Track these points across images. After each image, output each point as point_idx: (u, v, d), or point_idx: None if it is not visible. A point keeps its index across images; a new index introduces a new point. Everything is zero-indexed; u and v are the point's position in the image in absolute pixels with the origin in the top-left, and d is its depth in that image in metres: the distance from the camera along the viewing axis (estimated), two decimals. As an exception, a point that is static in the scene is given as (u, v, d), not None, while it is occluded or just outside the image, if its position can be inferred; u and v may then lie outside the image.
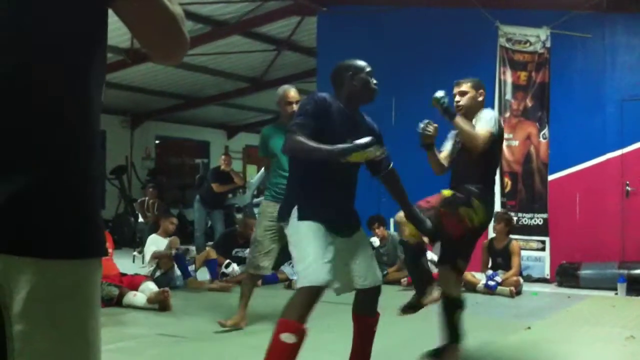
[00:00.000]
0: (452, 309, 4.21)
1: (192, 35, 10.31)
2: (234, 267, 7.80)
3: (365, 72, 3.54)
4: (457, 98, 4.17)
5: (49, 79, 1.25)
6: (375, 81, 3.57)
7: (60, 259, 1.23)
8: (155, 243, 7.63)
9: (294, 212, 3.30)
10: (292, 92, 5.32)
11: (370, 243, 8.23)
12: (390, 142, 10.16)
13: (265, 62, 12.55)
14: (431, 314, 4.50)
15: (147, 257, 7.65)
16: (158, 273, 7.36)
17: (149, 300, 6.09)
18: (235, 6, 9.89)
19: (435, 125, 4.13)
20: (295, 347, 3.03)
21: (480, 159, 4.03)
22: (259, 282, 7.43)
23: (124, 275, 6.58)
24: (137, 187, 14.62)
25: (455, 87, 4.22)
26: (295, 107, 5.10)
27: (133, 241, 11.07)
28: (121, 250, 10.46)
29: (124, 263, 8.05)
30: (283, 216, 3.41)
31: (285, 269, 8.16)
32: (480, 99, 4.18)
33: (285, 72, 13.17)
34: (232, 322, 5.28)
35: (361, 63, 3.58)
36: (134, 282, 6.36)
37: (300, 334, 3.03)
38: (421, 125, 4.14)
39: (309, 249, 3.19)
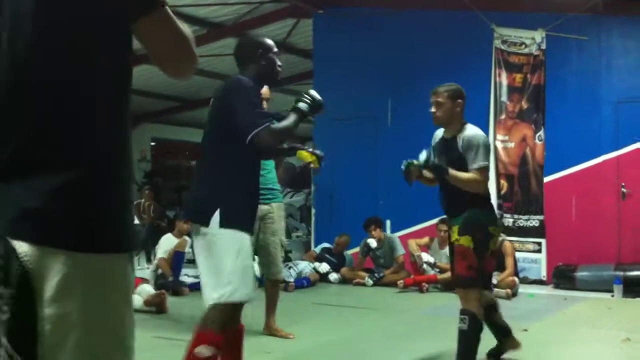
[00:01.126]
0: (495, 310, 4.28)
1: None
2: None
3: (273, 52, 3.33)
4: (433, 109, 3.99)
5: (81, 84, 1.39)
6: (280, 63, 3.36)
7: (88, 252, 1.35)
8: (167, 242, 7.69)
9: (216, 216, 2.99)
10: (265, 89, 4.96)
11: (368, 244, 8.30)
12: (387, 143, 10.27)
13: (261, 64, 12.52)
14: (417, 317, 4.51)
15: (158, 254, 7.75)
16: (159, 271, 7.42)
17: (146, 303, 6.08)
18: (231, 8, 9.88)
19: (429, 153, 4.04)
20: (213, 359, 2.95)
21: None
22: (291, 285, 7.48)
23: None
24: (133, 188, 14.60)
25: (432, 95, 4.02)
26: (265, 105, 4.86)
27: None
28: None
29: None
30: (200, 219, 3.05)
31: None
32: (458, 109, 3.97)
33: (281, 74, 13.14)
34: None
35: (270, 42, 3.38)
36: (130, 285, 6.36)
37: (218, 346, 2.96)
38: (402, 167, 4.13)
39: (234, 264, 2.95)
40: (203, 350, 2.91)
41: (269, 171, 5.17)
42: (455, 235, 3.91)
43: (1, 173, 1.36)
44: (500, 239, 7.71)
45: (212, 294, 2.96)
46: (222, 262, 2.97)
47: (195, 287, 7.34)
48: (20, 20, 1.38)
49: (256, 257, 5.34)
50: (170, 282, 7.40)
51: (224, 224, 2.98)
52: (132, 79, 1.54)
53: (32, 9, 1.37)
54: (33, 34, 1.37)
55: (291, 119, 3.13)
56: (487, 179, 3.97)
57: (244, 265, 3.00)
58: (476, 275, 3.83)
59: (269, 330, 5.24)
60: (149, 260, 10.17)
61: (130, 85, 1.51)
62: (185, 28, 1.53)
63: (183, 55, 1.55)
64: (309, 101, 3.17)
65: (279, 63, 3.36)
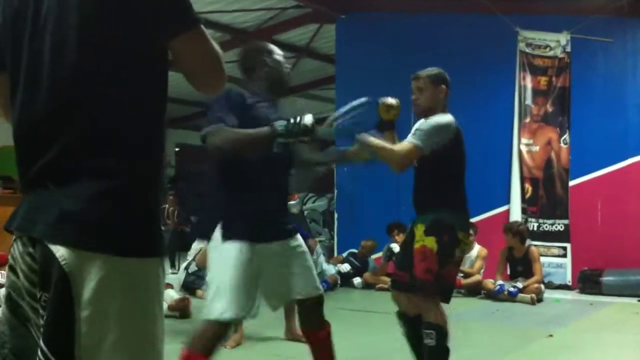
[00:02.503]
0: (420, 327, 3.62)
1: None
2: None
3: (277, 54, 3.16)
4: (415, 95, 3.61)
5: (118, 99, 1.47)
6: (288, 66, 3.19)
7: (125, 256, 1.41)
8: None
9: (218, 230, 2.96)
10: None
11: (391, 249, 8.27)
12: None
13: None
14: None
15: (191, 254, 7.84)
16: (193, 267, 7.48)
17: (170, 308, 6.12)
18: (254, 14, 9.95)
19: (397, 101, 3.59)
20: None
21: (436, 177, 3.54)
22: None
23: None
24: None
25: (413, 81, 3.63)
26: None
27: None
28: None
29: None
30: (204, 233, 3.05)
31: None
32: (442, 95, 3.60)
33: (304, 79, 13.20)
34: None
35: (272, 46, 3.21)
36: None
37: None
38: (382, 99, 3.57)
39: (231, 280, 2.85)
40: None
41: None
42: (420, 234, 3.47)
43: (41, 180, 1.44)
44: (526, 244, 7.71)
45: (211, 309, 2.89)
46: (216, 277, 2.93)
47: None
48: (62, 38, 1.46)
49: None
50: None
51: (225, 237, 2.93)
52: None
53: (74, 30, 1.45)
54: (74, 51, 1.44)
55: (253, 131, 2.85)
56: (409, 158, 3.44)
57: (238, 282, 2.86)
58: (433, 280, 3.38)
59: (292, 335, 5.23)
60: (172, 266, 10.24)
61: (166, 97, 1.58)
62: (217, 47, 1.60)
63: (215, 73, 1.62)
64: (289, 123, 2.80)
65: (286, 65, 3.20)
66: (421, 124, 3.48)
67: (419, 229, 3.49)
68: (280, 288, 3.08)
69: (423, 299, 3.45)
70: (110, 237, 1.40)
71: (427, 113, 3.55)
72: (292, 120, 2.80)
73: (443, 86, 3.62)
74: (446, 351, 3.47)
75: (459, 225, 3.46)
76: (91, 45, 1.45)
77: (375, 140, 3.30)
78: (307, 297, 3.11)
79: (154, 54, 1.51)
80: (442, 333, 3.44)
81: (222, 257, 2.91)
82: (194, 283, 7.34)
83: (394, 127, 3.62)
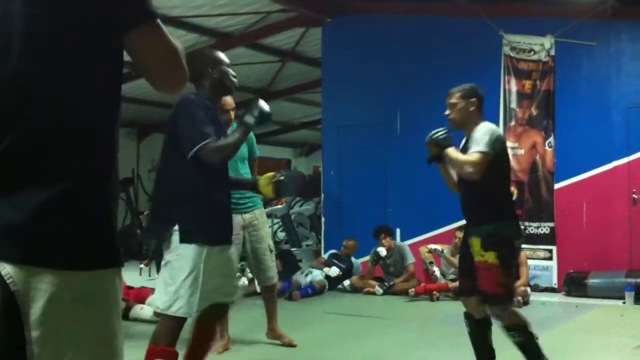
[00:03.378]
0: (485, 328, 3.92)
1: (197, 47, 10.39)
2: (244, 280, 7.78)
3: (224, 64, 3.41)
4: (448, 111, 3.87)
5: (67, 100, 1.37)
6: (234, 74, 3.43)
7: (76, 270, 1.32)
8: None
9: (175, 232, 3.15)
10: (229, 100, 4.91)
11: (377, 252, 8.27)
12: (396, 153, 10.27)
13: (270, 73, 12.58)
14: (428, 325, 4.48)
15: None
16: None
17: (156, 314, 6.08)
18: (239, 18, 9.92)
19: (446, 131, 3.84)
20: None
21: (486, 188, 3.70)
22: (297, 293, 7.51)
23: (130, 288, 6.57)
24: (143, 199, 14.64)
25: (447, 97, 3.91)
26: (231, 114, 4.95)
27: (139, 254, 11.06)
28: (128, 262, 10.46)
29: (130, 275, 8.05)
30: (161, 236, 3.24)
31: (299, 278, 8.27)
32: (472, 108, 3.82)
33: (290, 82, 13.20)
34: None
35: (220, 54, 3.47)
36: (140, 295, 6.37)
37: (173, 358, 3.10)
38: (431, 134, 3.85)
39: (185, 280, 3.11)
40: None
41: None
42: (477, 249, 3.67)
43: None
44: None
45: (157, 302, 3.21)
46: (175, 276, 3.14)
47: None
48: (9, 34, 1.37)
49: (243, 263, 5.32)
50: None
51: (183, 239, 3.15)
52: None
53: (23, 25, 1.36)
54: (23, 48, 1.36)
55: (236, 134, 3.24)
56: (478, 167, 3.63)
57: (194, 283, 3.12)
58: (504, 291, 3.67)
59: (273, 335, 5.27)
60: (159, 271, 10.16)
61: (119, 98, 1.48)
62: (176, 42, 1.52)
63: (173, 69, 1.54)
64: (255, 114, 3.27)
65: (232, 74, 3.42)
66: (476, 134, 3.72)
67: (475, 243, 3.70)
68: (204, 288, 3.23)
69: (496, 307, 3.74)
70: (59, 251, 1.31)
71: (460, 126, 3.84)
72: (255, 112, 3.26)
73: (473, 99, 3.84)
74: (536, 344, 3.75)
75: (515, 235, 3.74)
76: (41, 42, 1.36)
77: (456, 154, 3.73)
78: (220, 302, 3.37)
79: (107, 51, 1.43)
80: (525, 330, 3.73)
81: (182, 257, 3.14)
82: None
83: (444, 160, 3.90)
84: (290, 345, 5.17)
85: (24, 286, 1.28)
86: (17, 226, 1.28)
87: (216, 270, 3.25)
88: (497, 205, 3.73)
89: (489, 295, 3.70)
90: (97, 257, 1.37)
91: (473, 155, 3.65)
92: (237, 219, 4.73)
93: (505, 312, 3.72)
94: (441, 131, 3.82)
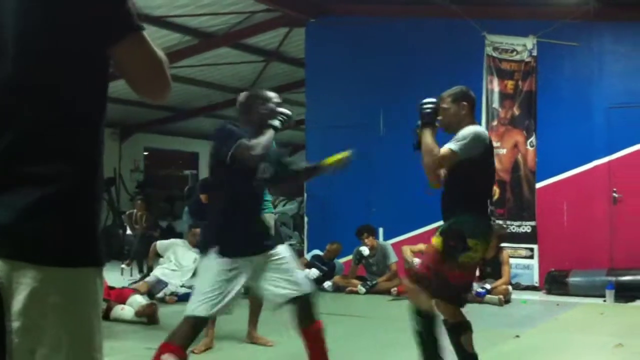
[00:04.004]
0: (459, 332, 3.86)
1: (181, 47, 10.38)
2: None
3: (272, 102, 3.75)
4: (440, 114, 3.82)
5: (53, 105, 1.44)
6: (287, 112, 3.80)
7: (57, 266, 1.39)
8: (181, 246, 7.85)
9: (215, 248, 3.47)
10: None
11: (360, 252, 8.28)
12: (379, 153, 10.27)
13: (254, 73, 12.56)
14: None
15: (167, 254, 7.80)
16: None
17: (137, 314, 6.06)
18: (223, 18, 9.90)
19: (434, 106, 3.79)
20: None
21: (460, 183, 3.71)
22: None
23: (112, 288, 6.53)
24: (125, 199, 14.57)
25: (439, 101, 3.86)
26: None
27: (121, 254, 11.02)
28: (109, 262, 10.41)
29: (112, 276, 8.02)
30: (203, 249, 3.58)
31: None
32: (464, 112, 3.79)
33: (274, 82, 13.17)
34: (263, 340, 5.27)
35: (269, 93, 3.80)
36: (122, 296, 6.33)
37: (182, 358, 3.30)
38: (421, 102, 3.81)
39: (210, 285, 3.40)
40: (169, 358, 3.24)
41: None
42: (435, 236, 3.75)
43: None
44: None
45: (188, 308, 3.45)
46: (203, 283, 3.49)
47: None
48: (4, 42, 1.44)
49: None
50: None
51: (219, 254, 3.46)
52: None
53: (14, 35, 1.44)
54: (14, 56, 1.43)
55: (266, 135, 3.56)
56: (443, 162, 3.63)
57: (220, 287, 3.40)
58: (430, 275, 3.62)
59: (250, 338, 5.32)
60: (141, 271, 10.12)
61: (106, 104, 1.55)
62: (160, 52, 1.57)
63: (157, 79, 1.60)
64: (283, 119, 3.69)
65: (283, 112, 3.75)
66: (458, 133, 3.69)
67: (437, 231, 3.75)
68: (267, 292, 3.60)
69: (417, 289, 3.70)
70: (43, 248, 1.38)
71: (453, 130, 3.77)
72: (279, 116, 3.69)
73: (464, 103, 3.81)
74: (433, 338, 3.75)
75: (471, 232, 3.63)
76: (31, 51, 1.43)
77: (429, 138, 3.68)
78: (290, 297, 3.58)
79: (95, 59, 1.50)
80: (426, 321, 3.71)
81: (212, 267, 3.44)
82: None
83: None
84: (266, 345, 5.23)
85: (8, 280, 1.36)
86: (3, 225, 1.36)
87: (271, 274, 3.57)
88: (464, 201, 3.70)
89: (416, 272, 3.77)
90: (78, 255, 1.43)
91: (443, 149, 3.63)
92: None
93: (416, 294, 3.70)
94: (429, 103, 3.77)
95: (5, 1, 1.45)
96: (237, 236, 3.52)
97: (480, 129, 3.83)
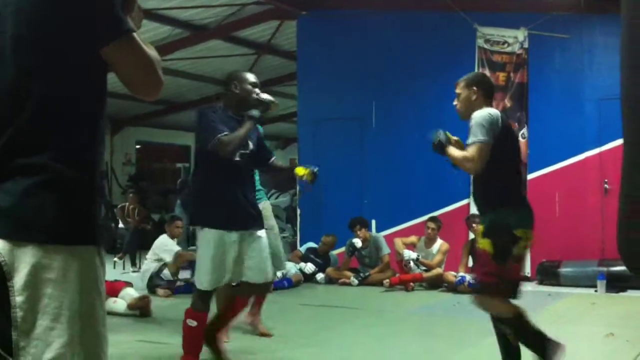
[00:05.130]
0: (523, 321, 3.67)
1: (171, 40, 10.35)
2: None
3: (249, 83, 4.10)
4: (455, 101, 3.79)
5: (50, 99, 1.55)
6: (258, 92, 4.12)
7: (55, 243, 1.50)
8: (165, 244, 7.78)
9: (200, 219, 4.03)
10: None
11: (353, 244, 8.30)
12: (371, 144, 10.27)
13: (245, 66, 12.51)
14: (403, 316, 4.51)
15: (160, 254, 7.71)
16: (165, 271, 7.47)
17: (130, 307, 6.06)
18: (214, 10, 9.87)
19: (439, 135, 3.75)
20: (197, 329, 4.01)
21: (489, 175, 3.59)
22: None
23: (104, 281, 6.53)
24: (117, 192, 14.55)
25: (456, 88, 3.82)
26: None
27: (113, 247, 11.00)
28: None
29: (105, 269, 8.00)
30: (194, 222, 4.14)
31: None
32: (475, 97, 3.70)
33: (265, 76, 13.14)
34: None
35: (246, 74, 4.18)
36: (114, 289, 6.32)
37: (200, 319, 4.02)
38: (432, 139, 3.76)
39: (207, 260, 3.93)
40: (192, 322, 4.00)
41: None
42: (480, 237, 3.61)
43: None
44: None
45: (195, 280, 4.10)
46: (199, 257, 4.04)
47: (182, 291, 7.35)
48: (3, 47, 1.56)
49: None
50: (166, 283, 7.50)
51: (205, 225, 4.00)
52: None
53: (11, 34, 1.56)
54: (11, 53, 1.55)
55: (244, 128, 3.95)
56: (481, 156, 3.52)
57: (212, 259, 3.92)
58: (496, 281, 3.49)
59: (253, 322, 5.36)
60: (133, 264, 10.12)
61: (104, 99, 1.67)
62: (152, 52, 1.66)
63: (148, 80, 1.68)
64: (260, 107, 4.04)
65: (256, 91, 4.09)
66: (471, 124, 3.60)
67: (480, 231, 3.66)
68: (236, 268, 4.03)
69: (487, 297, 3.60)
70: (38, 226, 1.50)
71: (466, 116, 3.70)
72: (261, 105, 4.04)
73: (475, 87, 3.73)
74: (533, 335, 3.64)
75: (516, 223, 3.54)
76: (28, 50, 1.55)
77: (456, 152, 3.68)
78: (255, 282, 4.10)
79: (91, 57, 1.59)
80: (512, 319, 3.59)
81: (203, 239, 3.97)
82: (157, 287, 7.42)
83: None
84: (265, 335, 5.24)
85: (10, 258, 1.48)
86: (4, 208, 1.49)
87: (249, 253, 4.03)
88: (499, 193, 3.61)
89: (481, 283, 3.64)
90: (73, 233, 1.53)
91: (469, 149, 3.55)
92: None
93: (495, 302, 3.58)
94: (437, 136, 3.71)
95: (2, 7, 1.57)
96: (222, 209, 3.97)
97: (490, 110, 3.64)
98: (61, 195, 1.52)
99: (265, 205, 5.57)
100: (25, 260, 1.48)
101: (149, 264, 7.71)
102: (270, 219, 5.58)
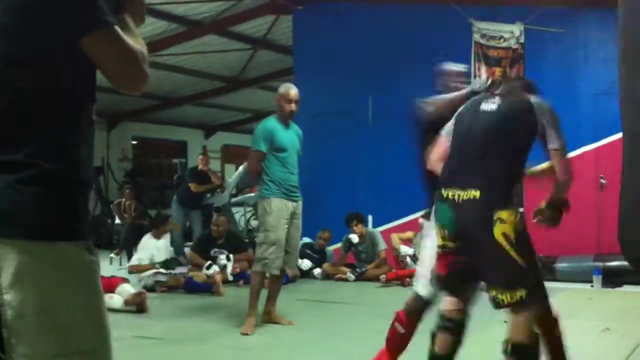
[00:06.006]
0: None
1: (167, 35, 10.32)
2: (215, 268, 7.72)
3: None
4: None
5: (29, 93, 1.53)
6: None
7: (39, 240, 1.49)
8: (148, 244, 7.71)
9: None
10: (294, 91, 5.43)
11: (349, 239, 8.30)
12: (367, 139, 10.26)
13: (241, 61, 12.51)
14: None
15: (141, 255, 7.67)
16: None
17: (126, 302, 6.06)
18: (209, 5, 9.84)
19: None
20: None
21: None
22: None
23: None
24: (114, 188, 14.52)
25: None
26: (294, 106, 5.36)
27: (110, 243, 10.99)
28: (99, 252, 10.38)
29: (101, 265, 7.99)
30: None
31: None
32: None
33: (261, 71, 13.14)
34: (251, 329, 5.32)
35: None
36: (110, 284, 6.31)
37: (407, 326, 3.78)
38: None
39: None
40: (399, 327, 3.74)
41: (294, 172, 5.50)
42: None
43: None
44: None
45: (423, 289, 3.72)
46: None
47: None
48: None
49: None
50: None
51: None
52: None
53: None
54: None
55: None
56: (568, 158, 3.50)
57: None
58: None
59: (269, 317, 5.50)
60: (130, 260, 10.09)
61: (91, 90, 1.63)
62: (138, 46, 1.62)
63: (130, 73, 1.64)
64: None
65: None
66: (550, 117, 3.37)
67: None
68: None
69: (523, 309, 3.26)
70: (22, 224, 1.48)
71: None
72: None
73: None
74: None
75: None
76: (9, 38, 1.52)
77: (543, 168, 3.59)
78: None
79: (74, 50, 1.55)
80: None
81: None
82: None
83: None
84: (289, 324, 5.49)
85: None
86: None
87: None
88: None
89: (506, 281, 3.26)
90: (59, 230, 1.52)
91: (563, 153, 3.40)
92: (288, 205, 5.36)
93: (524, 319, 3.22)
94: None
95: None
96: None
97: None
98: (44, 191, 1.50)
99: (300, 205, 5.65)
100: (10, 258, 1.47)
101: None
102: (299, 219, 5.65)
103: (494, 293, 3.11)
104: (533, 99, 3.32)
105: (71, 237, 1.54)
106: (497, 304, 3.13)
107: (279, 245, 5.26)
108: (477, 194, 3.08)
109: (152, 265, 7.42)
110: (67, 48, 1.54)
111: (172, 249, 8.48)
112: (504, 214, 3.13)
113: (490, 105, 3.26)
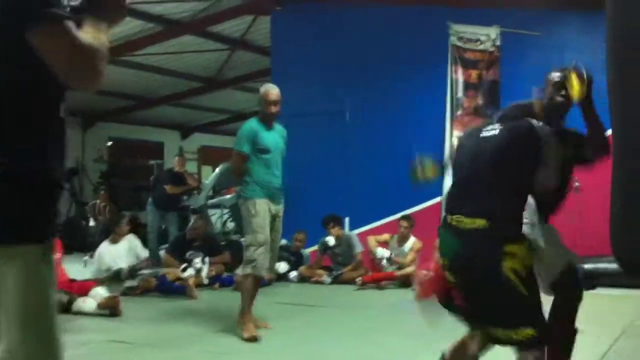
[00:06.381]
0: None
1: (144, 35, 10.23)
2: (190, 271, 7.65)
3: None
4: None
5: None
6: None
7: (2, 244, 1.49)
8: (104, 253, 7.57)
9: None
10: (274, 93, 5.41)
11: (326, 242, 8.27)
12: (345, 140, 10.21)
13: (219, 61, 12.45)
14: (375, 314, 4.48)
15: (97, 266, 7.54)
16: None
17: (100, 306, 5.98)
18: (187, 5, 9.79)
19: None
20: None
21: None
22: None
23: (73, 281, 6.42)
24: (89, 190, 14.37)
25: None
26: (274, 108, 5.34)
27: (84, 245, 10.86)
28: (72, 254, 10.26)
29: (74, 268, 7.90)
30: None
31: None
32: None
33: (239, 71, 13.09)
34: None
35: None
36: (84, 288, 6.23)
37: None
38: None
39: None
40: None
41: (277, 175, 5.50)
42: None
43: None
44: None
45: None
46: None
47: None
48: None
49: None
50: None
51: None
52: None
53: None
54: None
55: None
56: None
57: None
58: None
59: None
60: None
61: (58, 89, 1.60)
62: (92, 42, 1.55)
63: (80, 70, 1.57)
64: None
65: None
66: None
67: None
68: None
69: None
70: None
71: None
72: None
73: None
74: None
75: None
76: None
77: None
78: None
79: (15, 49, 1.53)
80: None
81: None
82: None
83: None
84: (266, 327, 5.37)
85: None
86: None
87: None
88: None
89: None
90: (14, 234, 1.51)
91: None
92: (271, 207, 5.34)
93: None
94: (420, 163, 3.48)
95: None
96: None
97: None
98: (8, 190, 1.50)
99: (282, 208, 5.68)
100: None
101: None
102: (280, 222, 5.63)
103: (499, 333, 2.85)
104: (535, 122, 3.10)
105: (28, 241, 1.53)
106: (502, 342, 2.88)
107: (267, 246, 5.22)
108: (484, 222, 2.82)
109: (95, 281, 6.83)
110: (26, 44, 1.51)
111: (146, 250, 8.35)
112: (515, 248, 2.80)
113: (491, 131, 3.10)
